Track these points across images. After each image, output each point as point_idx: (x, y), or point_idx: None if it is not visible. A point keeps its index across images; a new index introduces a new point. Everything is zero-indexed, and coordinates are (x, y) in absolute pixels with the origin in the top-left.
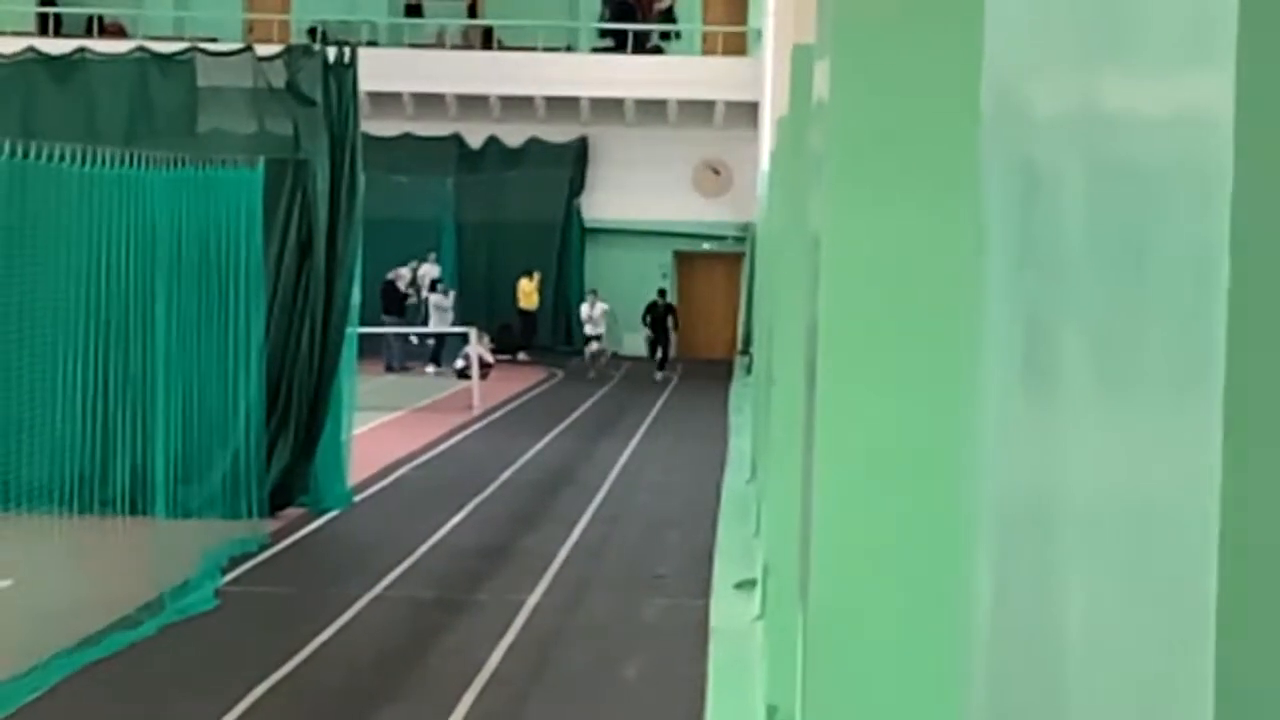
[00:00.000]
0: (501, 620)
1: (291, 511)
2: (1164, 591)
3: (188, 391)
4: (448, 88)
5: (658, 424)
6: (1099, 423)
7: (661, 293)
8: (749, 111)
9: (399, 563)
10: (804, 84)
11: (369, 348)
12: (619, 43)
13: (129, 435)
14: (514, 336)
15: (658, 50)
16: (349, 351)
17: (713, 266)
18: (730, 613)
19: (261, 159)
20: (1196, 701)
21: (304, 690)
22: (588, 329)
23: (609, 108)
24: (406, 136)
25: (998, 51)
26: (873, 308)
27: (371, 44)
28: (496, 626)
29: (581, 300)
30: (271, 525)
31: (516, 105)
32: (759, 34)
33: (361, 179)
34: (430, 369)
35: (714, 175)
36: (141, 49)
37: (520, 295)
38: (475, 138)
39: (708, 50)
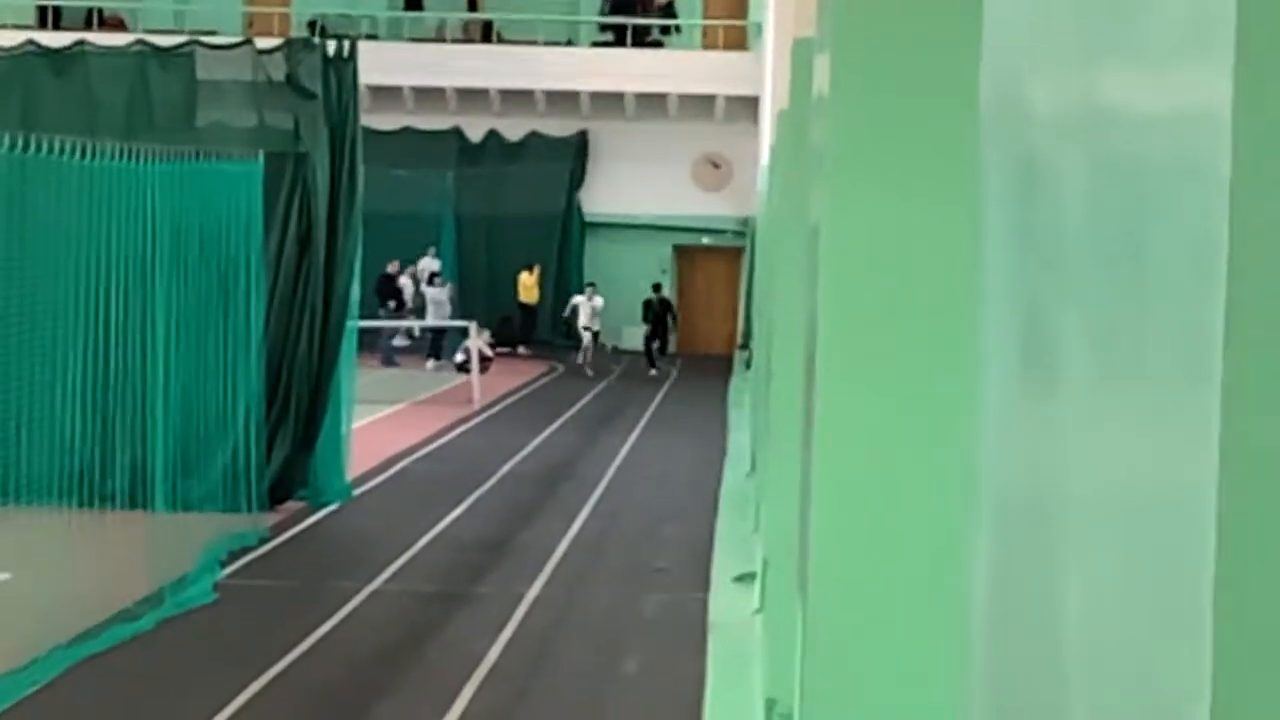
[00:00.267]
0: (501, 614)
1: (291, 505)
2: (1162, 582)
3: (187, 385)
4: (448, 81)
5: (657, 418)
6: (1098, 414)
7: (657, 287)
8: (749, 106)
9: (398, 556)
10: (804, 78)
11: (366, 342)
12: (619, 37)
13: (128, 428)
14: (514, 330)
15: (658, 44)
16: (349, 345)
17: (712, 261)
18: (729, 606)
19: (261, 152)
20: (1194, 692)
21: (303, 684)
22: (582, 320)
23: (609, 102)
24: (406, 130)
25: (997, 46)
26: (872, 301)
27: (371, 37)
28: (496, 620)
29: (579, 293)
30: (271, 519)
31: (516, 99)
32: (759, 28)
33: (361, 173)
34: (430, 363)
35: (714, 169)
36: (141, 42)
37: (520, 289)
38: (475, 131)
39: (708, 44)
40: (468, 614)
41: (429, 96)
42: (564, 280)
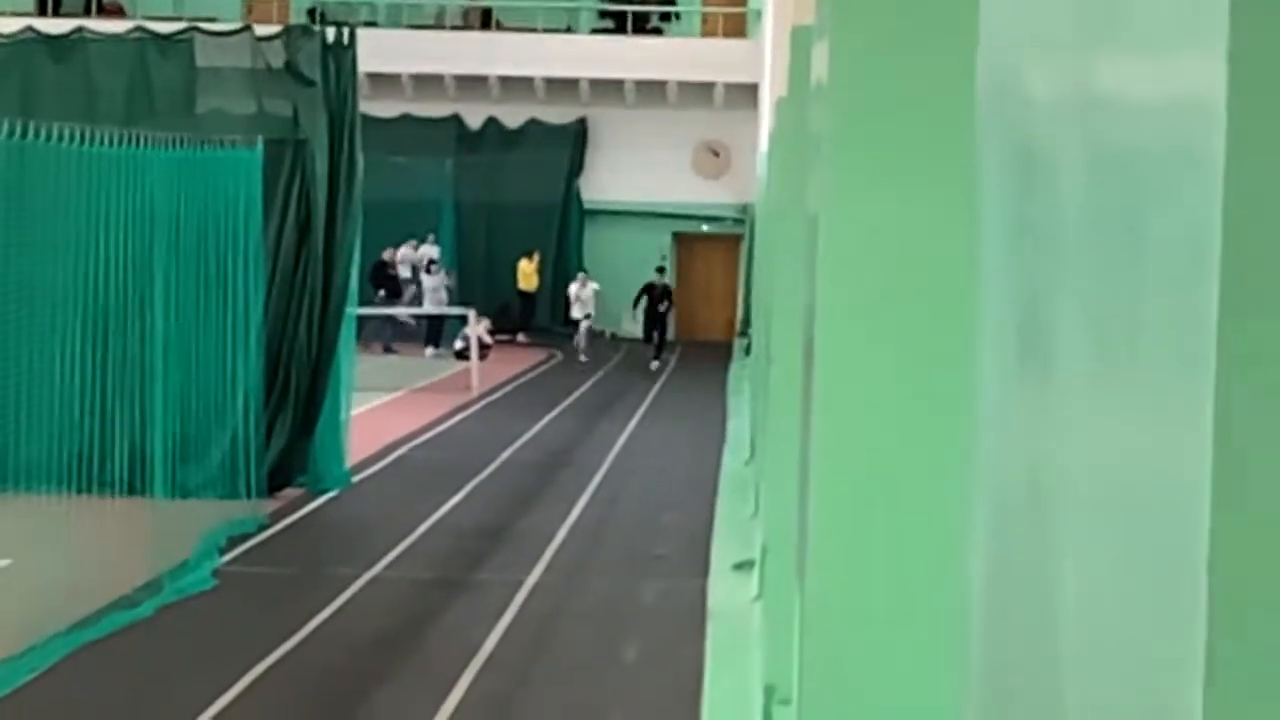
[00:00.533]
0: (500, 601)
1: (290, 492)
2: (1157, 568)
3: (186, 372)
4: (447, 68)
5: (656, 405)
6: (1094, 401)
7: (659, 271)
8: (748, 93)
9: (397, 543)
10: (803, 65)
11: (370, 330)
12: (619, 24)
13: (127, 415)
14: (513, 318)
15: (657, 31)
16: (348, 332)
17: (712, 248)
18: (728, 593)
19: (260, 139)
20: (1189, 677)
21: (302, 670)
22: (575, 310)
23: (608, 89)
24: (405, 117)
25: (993, 33)
26: (871, 288)
27: (370, 24)
28: (495, 607)
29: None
30: (270, 505)
31: (516, 86)
32: (758, 15)
33: (360, 160)
34: (428, 350)
35: (713, 156)
36: (140, 29)
37: (520, 276)
38: (474, 119)
39: (707, 31)
40: (467, 601)
41: (428, 83)
42: (563, 268)
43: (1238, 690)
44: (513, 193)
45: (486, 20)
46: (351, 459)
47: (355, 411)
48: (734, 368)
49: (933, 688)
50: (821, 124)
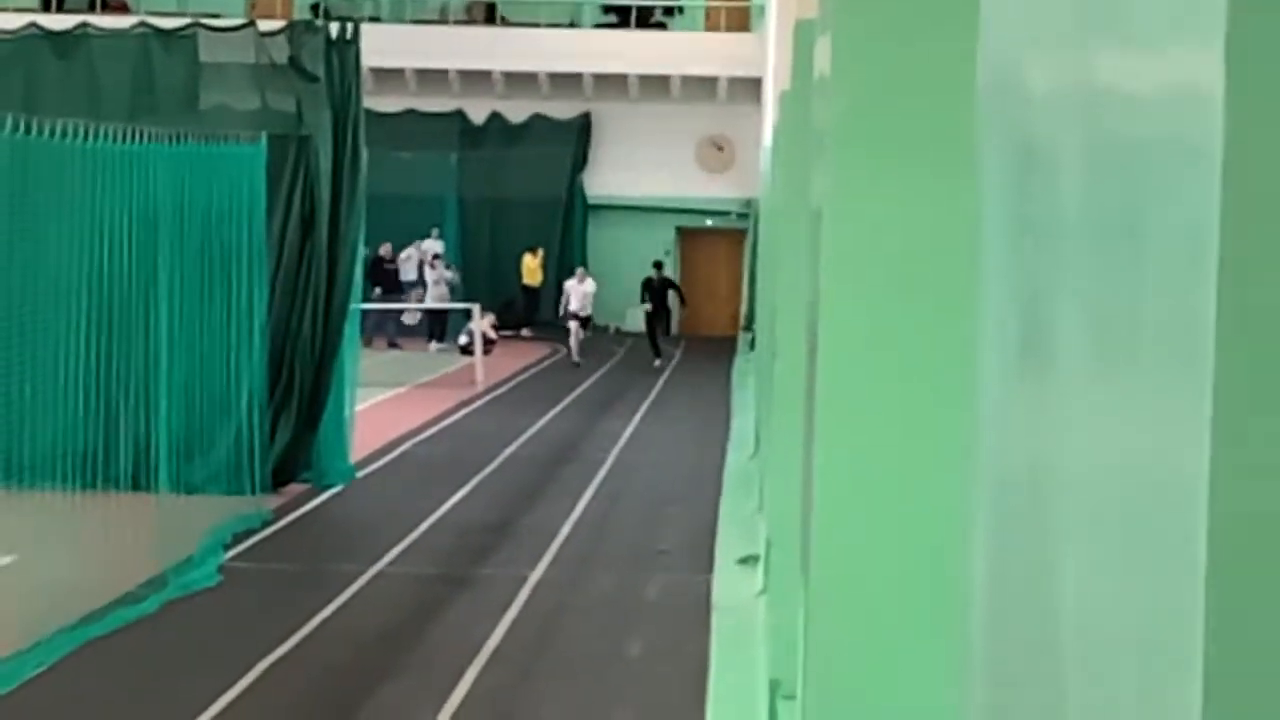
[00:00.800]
0: (504, 596)
1: (294, 487)
2: (1157, 566)
3: (191, 367)
4: (450, 64)
5: (660, 400)
6: (1094, 396)
7: (658, 265)
8: (752, 87)
9: (402, 539)
10: (806, 59)
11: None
12: (622, 18)
13: (132, 411)
14: (517, 313)
15: (661, 26)
16: (351, 327)
17: (716, 242)
18: (733, 588)
19: (264, 135)
20: (1188, 668)
21: (306, 666)
22: (572, 308)
23: (612, 84)
24: (409, 112)
25: (994, 27)
26: (874, 282)
27: (374, 20)
28: (499, 602)
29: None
30: (274, 501)
31: (520, 81)
32: (762, 9)
33: (364, 155)
34: (432, 345)
35: (717, 151)
36: (144, 24)
37: (524, 271)
38: (478, 114)
39: (711, 26)
40: (471, 596)
41: (432, 79)
42: (567, 262)
43: (1237, 687)
44: (516, 188)
45: (490, 15)
46: (356, 454)
47: (359, 407)
48: (738, 362)
49: (936, 681)
50: (824, 118)
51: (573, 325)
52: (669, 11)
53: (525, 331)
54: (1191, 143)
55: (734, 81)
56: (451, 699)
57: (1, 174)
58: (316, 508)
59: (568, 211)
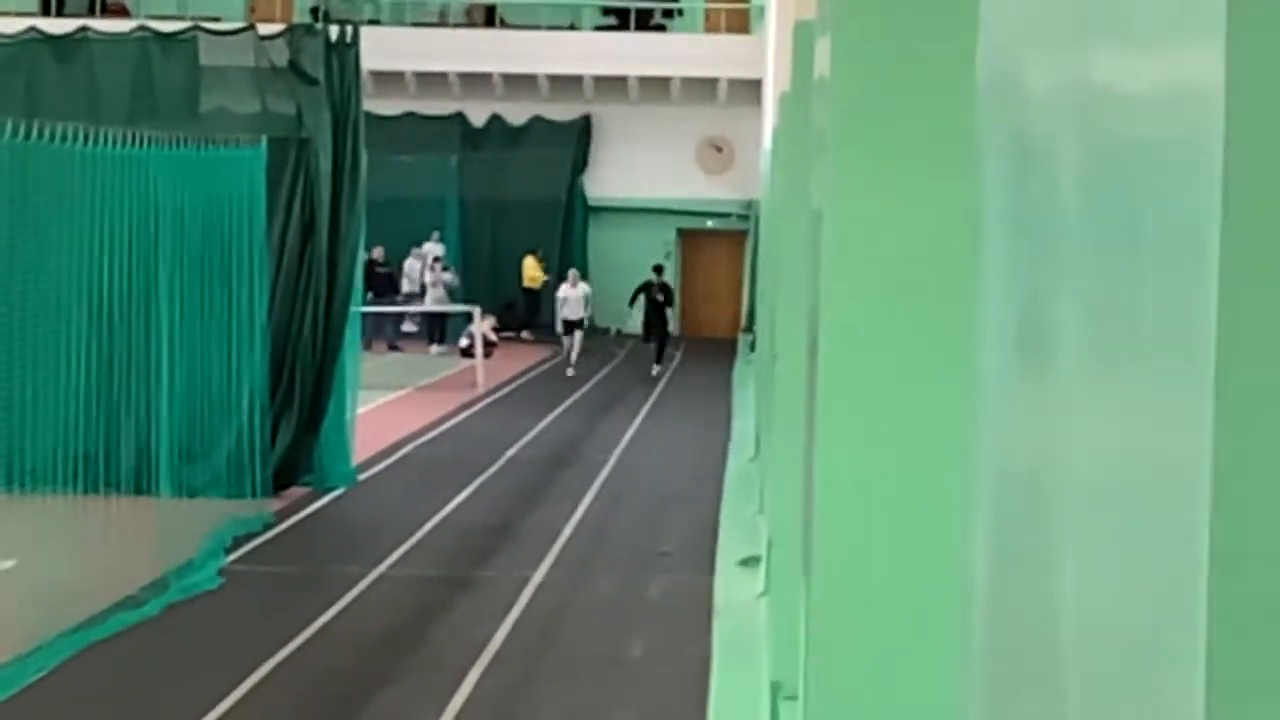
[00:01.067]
0: (506, 598)
1: (295, 490)
2: (1158, 562)
3: (192, 371)
4: (450, 66)
5: (661, 402)
6: (1094, 395)
7: (658, 269)
8: (752, 89)
9: (403, 541)
10: (806, 60)
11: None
12: (622, 20)
13: (133, 414)
14: (518, 315)
15: (660, 28)
16: (352, 330)
17: (716, 244)
18: (734, 590)
19: (264, 138)
20: (1190, 666)
21: (308, 669)
22: (564, 313)
23: (612, 86)
24: (409, 115)
25: (994, 27)
26: (874, 283)
27: (374, 22)
28: (501, 604)
29: (564, 280)
30: (275, 504)
31: (519, 83)
32: (761, 11)
33: (364, 158)
34: (433, 348)
35: (717, 153)
36: (144, 28)
37: (525, 274)
38: (478, 116)
39: (710, 27)
40: (473, 598)
41: (431, 81)
42: (568, 265)
43: (1239, 686)
44: (517, 190)
45: (490, 17)
46: (357, 457)
47: (361, 410)
48: (739, 364)
49: (937, 681)
50: (824, 119)
51: (567, 339)
52: (668, 13)
53: (526, 334)
54: (1191, 142)
55: (734, 83)
56: (454, 701)
57: (2, 178)
58: (318, 510)
59: (568, 213)
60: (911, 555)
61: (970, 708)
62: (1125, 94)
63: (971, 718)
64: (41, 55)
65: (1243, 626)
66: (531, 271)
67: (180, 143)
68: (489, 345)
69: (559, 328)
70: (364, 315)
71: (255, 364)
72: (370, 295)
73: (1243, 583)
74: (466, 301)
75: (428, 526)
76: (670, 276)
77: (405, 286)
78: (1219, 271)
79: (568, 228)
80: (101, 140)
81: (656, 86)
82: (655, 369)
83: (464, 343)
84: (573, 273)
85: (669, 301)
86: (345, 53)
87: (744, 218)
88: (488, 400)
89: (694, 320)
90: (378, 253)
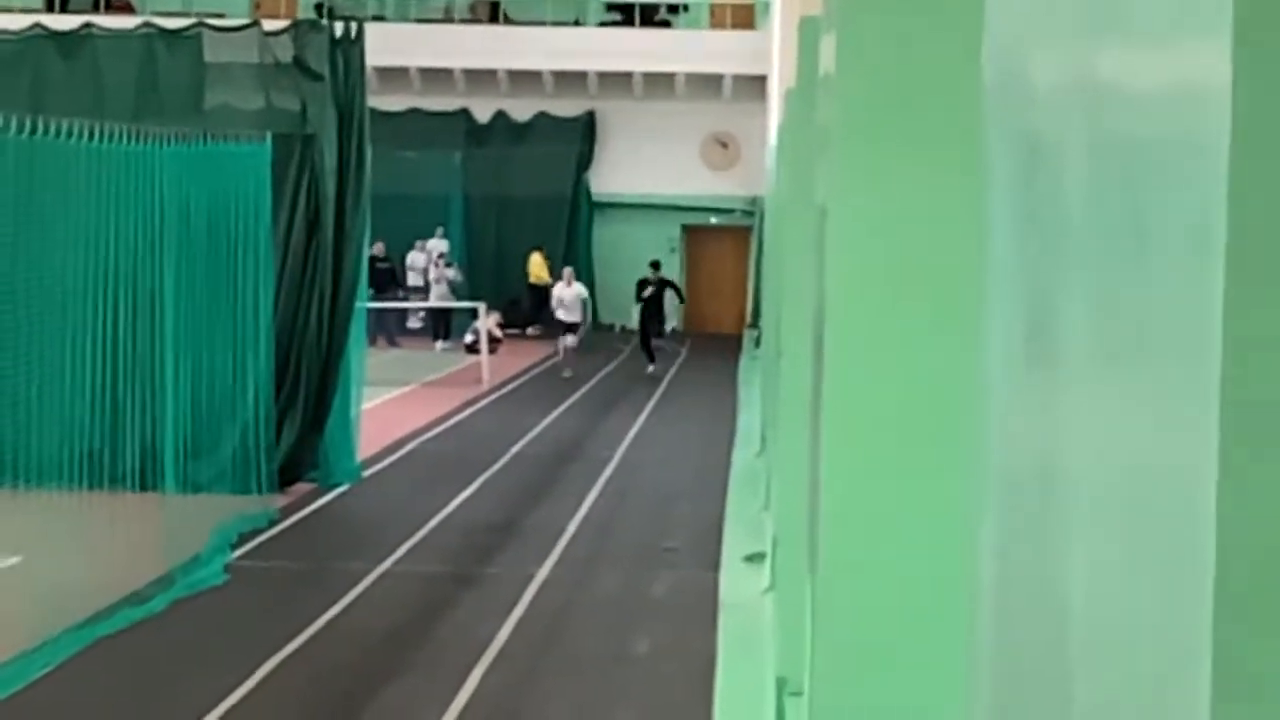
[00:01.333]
0: (511, 595)
1: (301, 486)
2: (1165, 561)
3: (197, 367)
4: (455, 62)
5: (666, 398)
6: (1101, 393)
7: (655, 265)
8: (757, 85)
9: (408, 537)
10: (811, 57)
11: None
12: (626, 16)
13: (138, 411)
14: (523, 311)
15: (665, 24)
16: (357, 326)
17: (721, 240)
18: (740, 586)
19: (269, 134)
20: (1196, 666)
21: (313, 665)
22: (560, 315)
23: (617, 82)
24: (414, 111)
25: (999, 24)
26: (880, 279)
27: (379, 19)
28: (506, 601)
29: (559, 279)
30: (281, 500)
31: (524, 80)
32: (766, 7)
33: (369, 154)
34: (438, 344)
35: (722, 149)
36: (148, 25)
37: (531, 270)
38: (483, 112)
39: (715, 23)
40: (477, 595)
41: (436, 77)
42: (573, 261)
43: (1245, 685)
44: (522, 186)
45: (494, 13)
46: (362, 453)
47: (366, 406)
48: (744, 360)
49: (942, 678)
50: (829, 115)
51: (563, 342)
52: (673, 9)
53: (531, 330)
54: (1198, 139)
55: (739, 79)
56: (459, 697)
57: (8, 175)
58: (323, 507)
59: (573, 210)
60: (917, 552)
61: (975, 704)
62: (1131, 92)
63: (977, 714)
64: (46, 52)
65: (1249, 627)
66: (537, 268)
67: (185, 139)
68: (494, 341)
69: (558, 318)
70: (367, 310)
71: (260, 360)
72: (371, 291)
73: (1250, 583)
74: (471, 298)
75: (432, 523)
76: (675, 272)
77: (411, 280)
78: (1225, 270)
79: (572, 224)
80: (106, 136)
81: (661, 82)
82: (650, 368)
83: (469, 339)
84: (568, 271)
85: (679, 297)
86: (350, 48)
87: (749, 214)
88: (492, 397)
89: (699, 316)
90: (378, 248)
